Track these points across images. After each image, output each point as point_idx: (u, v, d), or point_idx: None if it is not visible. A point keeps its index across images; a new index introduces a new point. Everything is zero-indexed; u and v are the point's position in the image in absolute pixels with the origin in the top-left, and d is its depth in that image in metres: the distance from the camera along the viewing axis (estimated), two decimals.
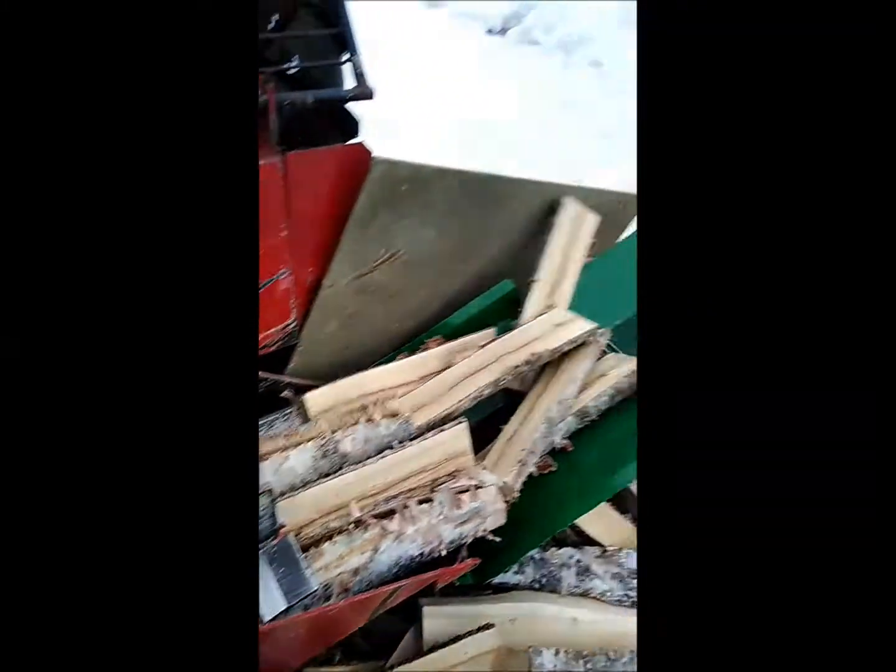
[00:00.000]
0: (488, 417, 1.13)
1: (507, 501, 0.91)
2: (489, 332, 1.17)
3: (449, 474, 0.95)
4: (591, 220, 1.19)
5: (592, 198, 1.22)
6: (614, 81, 3.42)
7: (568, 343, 1.05)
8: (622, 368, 1.03)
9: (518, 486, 0.92)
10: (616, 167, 2.93)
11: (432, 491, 0.89)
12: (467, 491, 0.87)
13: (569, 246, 1.17)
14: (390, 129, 3.02)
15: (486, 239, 1.20)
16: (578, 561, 0.97)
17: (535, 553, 0.99)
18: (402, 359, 1.13)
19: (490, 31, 4.27)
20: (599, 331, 1.07)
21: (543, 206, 1.20)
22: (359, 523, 0.88)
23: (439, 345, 1.16)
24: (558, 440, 1.01)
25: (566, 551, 0.98)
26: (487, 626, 0.93)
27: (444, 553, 0.85)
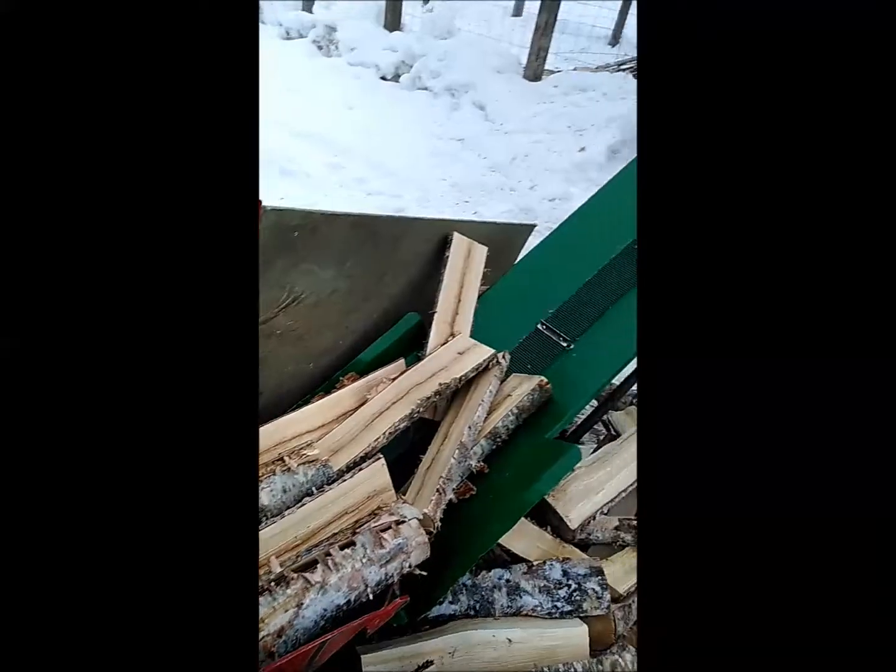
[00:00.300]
0: (408, 450, 1.11)
1: (429, 533, 0.88)
2: (399, 363, 1.16)
3: (371, 513, 0.91)
4: (480, 251, 1.23)
5: (482, 230, 1.27)
6: (497, 121, 3.62)
7: (473, 369, 1.07)
8: (523, 387, 1.06)
9: (439, 515, 0.90)
10: (507, 197, 3.07)
11: (354, 533, 0.85)
12: (389, 528, 0.84)
13: (463, 277, 1.20)
14: (292, 172, 2.98)
15: (386, 276, 1.21)
16: (508, 580, 0.96)
17: (466, 580, 0.97)
18: (318, 399, 1.09)
19: (384, 78, 4.41)
20: (500, 354, 1.09)
21: (437, 241, 1.23)
22: (280, 579, 0.82)
23: (353, 381, 1.14)
24: (474, 464, 1.01)
25: (496, 572, 0.98)
26: (427, 664, 0.89)
27: (371, 597, 0.81)
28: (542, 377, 1.07)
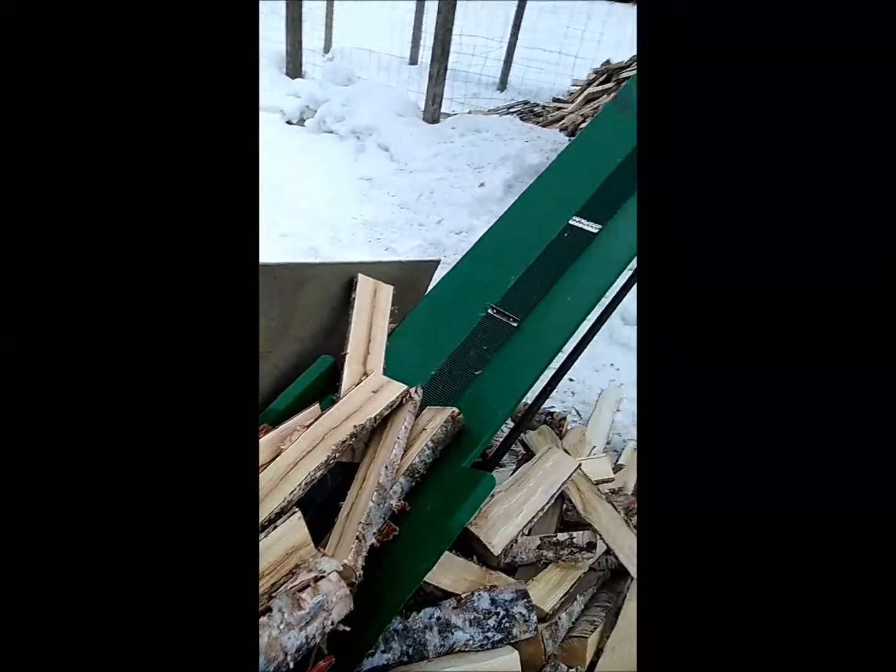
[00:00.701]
0: (327, 497, 1.04)
1: (351, 584, 0.82)
2: (314, 409, 1.10)
3: (289, 572, 0.84)
4: (386, 291, 1.21)
5: (387, 270, 1.25)
6: (402, 161, 3.67)
7: (387, 407, 1.03)
8: (437, 420, 1.03)
9: (360, 563, 0.85)
10: (417, 232, 3.10)
11: (270, 598, 0.77)
12: (307, 587, 0.77)
13: (371, 317, 1.17)
14: None
15: (293, 321, 1.15)
16: (438, 618, 0.92)
17: (397, 624, 0.91)
18: None
19: (289, 122, 4.34)
20: (412, 389, 1.07)
21: (343, 284, 1.19)
22: None
23: (266, 433, 1.06)
24: (395, 503, 0.96)
25: (426, 612, 0.93)
26: None
27: (291, 665, 0.73)
28: (454, 408, 1.05)
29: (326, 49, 5.96)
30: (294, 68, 4.74)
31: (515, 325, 1.21)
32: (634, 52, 4.29)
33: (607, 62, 4.32)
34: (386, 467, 0.94)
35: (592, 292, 1.22)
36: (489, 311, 1.23)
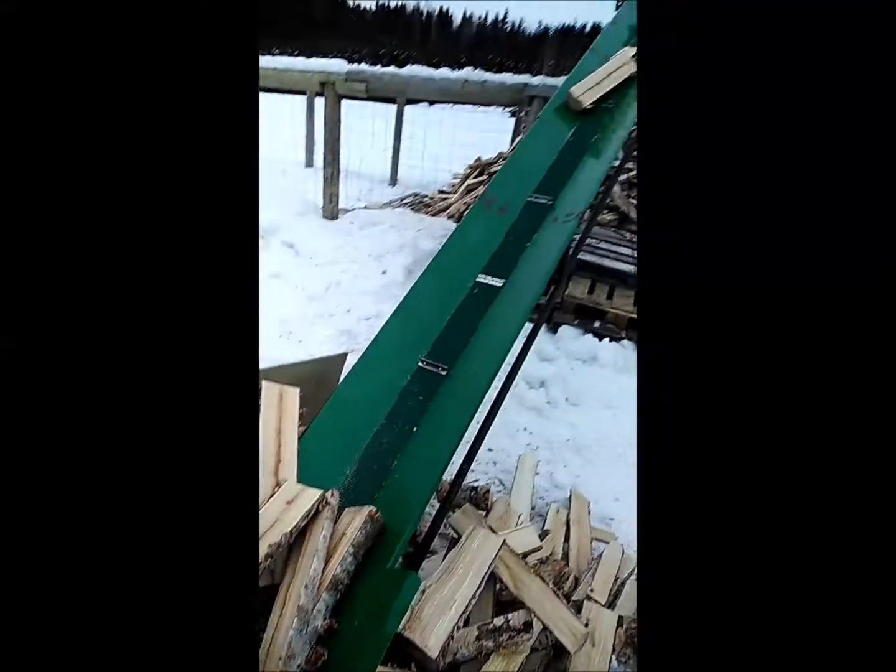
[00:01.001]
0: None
1: None
2: None
3: None
4: (293, 394, 1.17)
5: (292, 372, 1.21)
6: (306, 256, 3.71)
7: (303, 518, 0.96)
8: (355, 523, 0.98)
9: None
10: (328, 322, 3.08)
11: None
12: None
13: (279, 423, 1.11)
14: None
15: None
16: None
17: None
18: None
19: None
20: (328, 492, 1.01)
21: None
22: None
23: None
24: (320, 624, 0.87)
25: None
26: None
27: None
28: (372, 507, 1.01)
29: None
30: None
31: (444, 373, 1.25)
32: (499, 149, 4.84)
33: (478, 159, 4.81)
34: (306, 586, 0.86)
35: (507, 336, 1.33)
36: (419, 364, 1.29)
